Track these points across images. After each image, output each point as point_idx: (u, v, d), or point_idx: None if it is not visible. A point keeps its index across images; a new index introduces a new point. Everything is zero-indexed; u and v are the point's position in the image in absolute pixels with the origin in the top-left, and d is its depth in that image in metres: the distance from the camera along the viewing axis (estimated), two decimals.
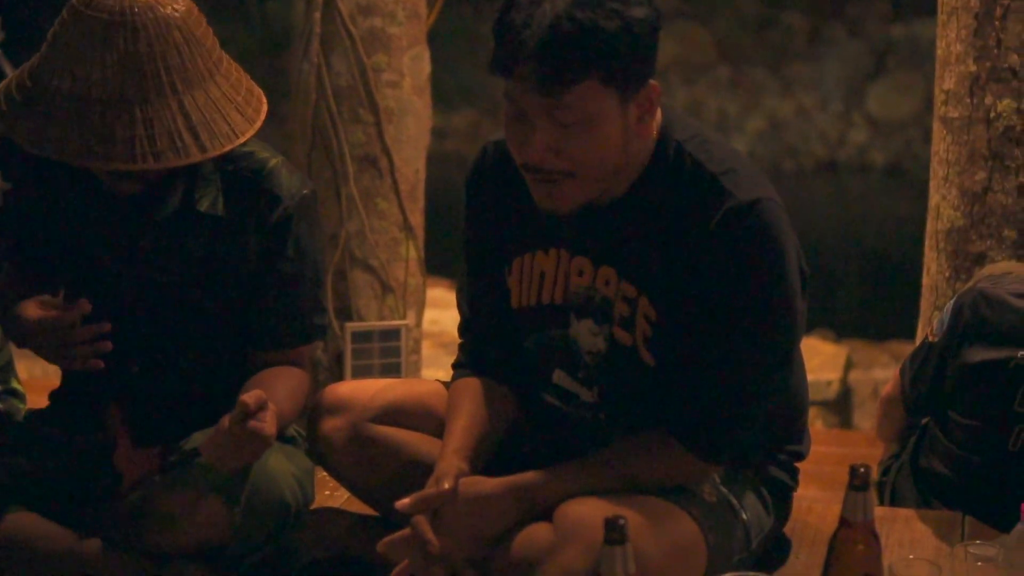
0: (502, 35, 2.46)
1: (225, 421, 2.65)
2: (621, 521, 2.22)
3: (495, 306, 2.84)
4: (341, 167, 4.62)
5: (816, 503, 3.14)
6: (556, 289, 2.72)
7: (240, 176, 2.89)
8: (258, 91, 2.86)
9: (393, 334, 4.50)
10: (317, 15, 4.57)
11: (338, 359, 4.56)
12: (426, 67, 4.81)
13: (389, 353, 4.51)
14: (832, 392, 7.02)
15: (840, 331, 9.01)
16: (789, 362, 2.67)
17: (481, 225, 2.84)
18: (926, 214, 4.13)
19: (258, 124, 2.80)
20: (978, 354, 3.01)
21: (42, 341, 2.77)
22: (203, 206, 2.87)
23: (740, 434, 2.65)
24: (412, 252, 4.75)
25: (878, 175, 16.50)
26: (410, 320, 4.71)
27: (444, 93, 4.80)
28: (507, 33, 2.45)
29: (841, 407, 7.04)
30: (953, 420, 3.10)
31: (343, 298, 4.64)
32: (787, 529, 2.96)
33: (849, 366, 7.47)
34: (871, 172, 16.57)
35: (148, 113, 2.66)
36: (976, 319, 3.03)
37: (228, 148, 2.74)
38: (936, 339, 3.13)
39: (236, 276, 2.91)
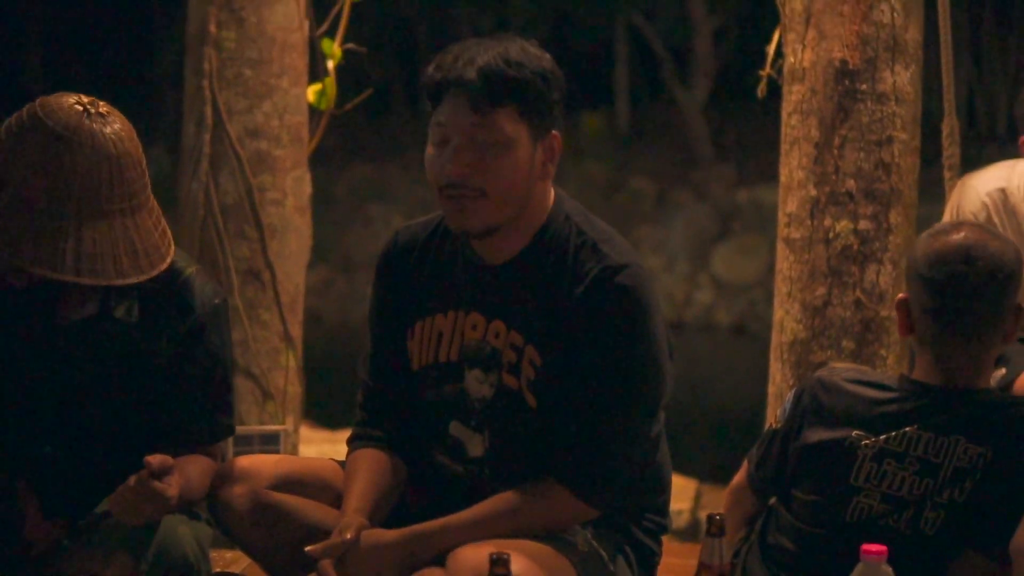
0: (439, 68, 2.95)
1: (132, 479, 2.87)
2: (505, 556, 2.51)
3: (394, 371, 3.15)
4: (226, 279, 4.87)
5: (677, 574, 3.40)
6: (452, 347, 3.06)
7: (155, 285, 3.03)
8: (163, 245, 3.02)
9: (273, 438, 4.70)
10: (207, 136, 4.86)
11: (221, 460, 4.74)
12: (307, 188, 5.12)
13: None
14: (683, 521, 7.33)
15: (689, 477, 9.30)
16: (655, 412, 3.02)
17: (387, 299, 3.17)
18: (767, 372, 4.48)
19: (145, 275, 2.97)
20: (816, 435, 3.32)
21: None
22: (118, 313, 3.06)
23: (611, 473, 2.96)
24: (292, 361, 5.01)
25: (723, 334, 16.91)
26: (289, 425, 4.95)
27: None
28: (444, 67, 2.94)
29: (690, 535, 7.34)
30: (796, 497, 3.39)
31: None
32: None
33: (698, 500, 7.79)
34: (716, 331, 16.97)
35: (93, 232, 2.86)
36: (814, 403, 3.34)
37: (100, 283, 2.92)
38: (779, 425, 3.43)
39: (146, 378, 3.09)
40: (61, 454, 3.13)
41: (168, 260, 3.00)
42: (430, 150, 2.97)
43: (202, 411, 3.15)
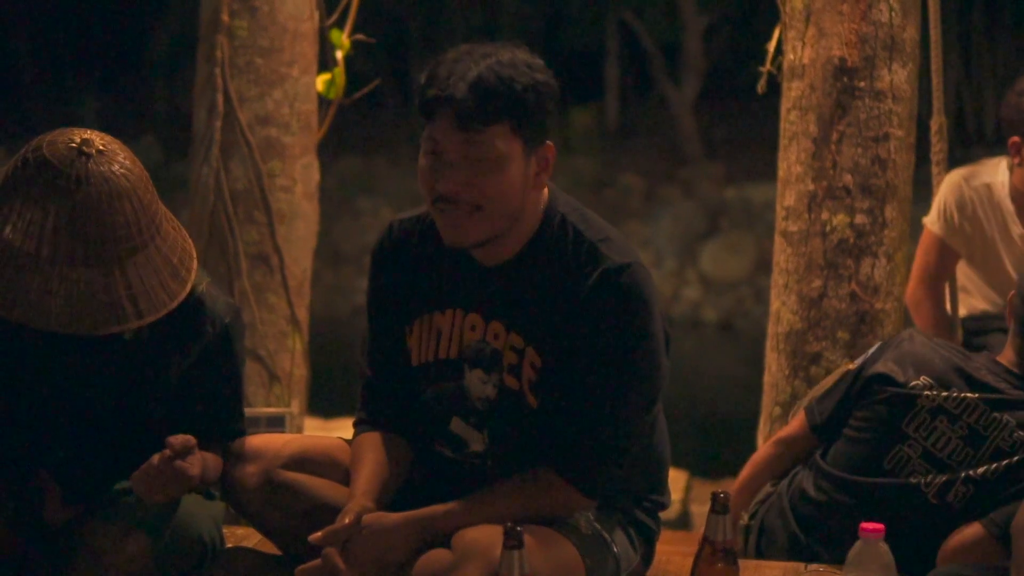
0: (431, 84, 2.91)
1: (155, 458, 2.95)
2: (519, 528, 2.60)
3: (393, 364, 3.20)
4: (235, 263, 4.96)
5: (675, 555, 3.50)
6: (452, 345, 3.10)
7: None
8: (189, 246, 3.06)
9: (278, 420, 4.78)
10: (218, 123, 4.93)
11: None
12: (315, 175, 5.23)
13: None
14: (673, 512, 7.40)
15: (679, 469, 9.38)
16: (653, 407, 3.09)
17: (384, 292, 3.20)
18: (754, 368, 4.60)
19: (189, 284, 3.01)
20: (887, 367, 3.51)
21: None
22: (128, 335, 3.08)
23: (611, 468, 3.04)
24: (298, 344, 5.09)
25: (711, 331, 16.95)
26: (295, 408, 5.04)
27: None
28: (435, 82, 2.91)
29: (680, 526, 7.43)
30: (844, 435, 3.54)
31: None
32: (650, 574, 3.31)
33: (689, 492, 7.88)
34: (704, 328, 17.01)
35: (92, 280, 2.86)
36: (897, 346, 3.56)
37: (162, 313, 2.95)
38: (855, 366, 3.60)
39: (156, 393, 3.15)
40: (76, 455, 3.18)
41: (192, 277, 3.01)
42: (423, 160, 2.97)
43: (213, 419, 3.21)
